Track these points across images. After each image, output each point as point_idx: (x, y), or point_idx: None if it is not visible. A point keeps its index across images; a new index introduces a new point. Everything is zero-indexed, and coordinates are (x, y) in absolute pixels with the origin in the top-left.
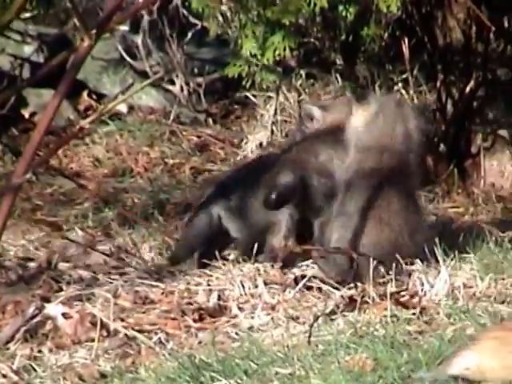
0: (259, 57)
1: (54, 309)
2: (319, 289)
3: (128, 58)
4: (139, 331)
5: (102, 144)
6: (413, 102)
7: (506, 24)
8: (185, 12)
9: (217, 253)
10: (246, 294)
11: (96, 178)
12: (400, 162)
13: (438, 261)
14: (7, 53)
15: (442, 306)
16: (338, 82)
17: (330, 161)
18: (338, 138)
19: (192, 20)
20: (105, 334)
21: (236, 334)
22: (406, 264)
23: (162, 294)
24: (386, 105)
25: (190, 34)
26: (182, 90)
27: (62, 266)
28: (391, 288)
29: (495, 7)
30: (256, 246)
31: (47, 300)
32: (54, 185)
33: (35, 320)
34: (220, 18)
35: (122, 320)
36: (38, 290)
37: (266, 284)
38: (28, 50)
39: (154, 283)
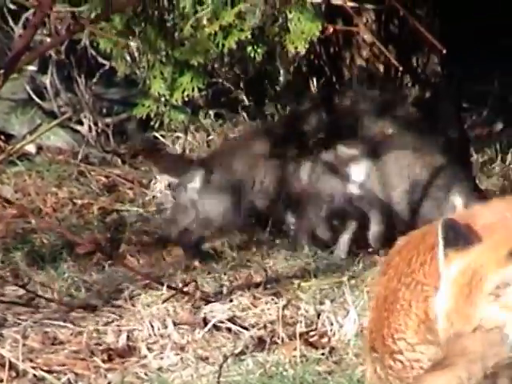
0: (168, 97)
1: None
2: (228, 329)
3: (36, 99)
4: (48, 372)
5: (11, 184)
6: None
7: (414, 63)
8: (93, 52)
9: (126, 294)
10: (155, 335)
11: (5, 218)
12: None
13: (346, 301)
14: None
15: (351, 345)
16: (246, 122)
17: None
18: None
19: (100, 60)
20: (13, 374)
21: (145, 374)
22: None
23: (71, 334)
24: None
25: (98, 75)
26: (90, 130)
27: None
28: (300, 328)
29: (403, 47)
30: None
31: None
32: None
33: None
34: (128, 59)
35: (31, 360)
36: None
37: (175, 324)
38: None
39: (62, 323)
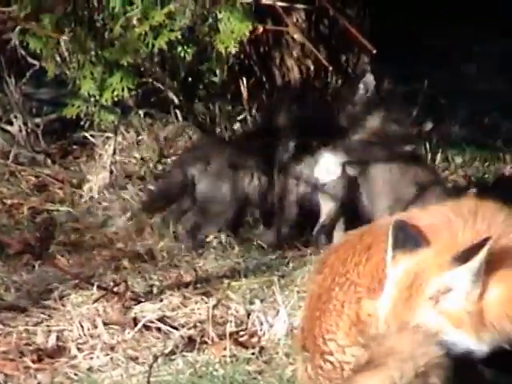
0: (97, 97)
1: None
2: (158, 329)
3: None
4: None
5: None
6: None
7: (344, 63)
8: (23, 52)
9: (56, 294)
10: (85, 335)
11: None
12: None
13: (276, 300)
14: None
15: (281, 345)
16: (177, 122)
17: None
18: None
19: (30, 60)
20: None
21: (75, 374)
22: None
23: (0, 334)
24: None
25: (28, 75)
26: (20, 130)
27: None
28: (230, 328)
29: (332, 47)
30: None
31: None
32: None
33: None
34: (58, 59)
35: None
36: None
37: (105, 324)
38: None
39: None
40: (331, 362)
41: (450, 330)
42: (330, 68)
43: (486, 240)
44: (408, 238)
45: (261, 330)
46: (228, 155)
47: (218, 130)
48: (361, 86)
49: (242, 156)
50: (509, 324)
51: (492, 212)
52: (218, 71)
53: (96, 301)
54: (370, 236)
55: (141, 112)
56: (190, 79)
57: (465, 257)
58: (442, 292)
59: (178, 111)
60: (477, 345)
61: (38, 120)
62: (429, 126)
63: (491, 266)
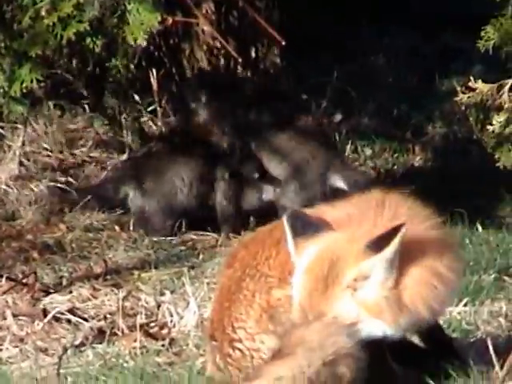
0: (6, 89)
1: None
2: (68, 320)
3: None
4: None
5: None
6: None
7: (253, 54)
8: None
9: None
10: None
11: None
12: None
13: (187, 292)
14: None
15: (192, 336)
16: (85, 113)
17: None
18: None
19: None
20: None
21: None
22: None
23: None
24: None
25: None
26: None
27: None
28: (140, 319)
29: (242, 38)
30: None
31: None
32: None
33: None
34: None
35: None
36: None
37: (14, 316)
38: None
39: None
40: (240, 350)
41: (368, 319)
42: (240, 60)
43: (399, 226)
44: (306, 224)
45: (171, 321)
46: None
47: (124, 121)
48: None
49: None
50: (423, 306)
51: (398, 201)
52: (127, 63)
53: (5, 292)
54: (279, 231)
55: (50, 103)
56: (98, 71)
57: (379, 244)
58: (359, 280)
59: (86, 103)
60: (393, 331)
61: None
62: (338, 117)
63: (403, 252)
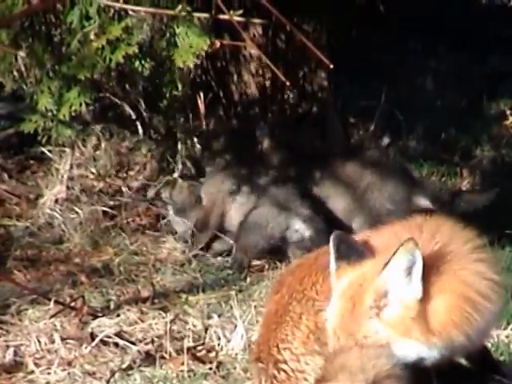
0: (55, 112)
1: None
2: (116, 344)
3: None
4: None
5: None
6: None
7: (301, 78)
8: None
9: (13, 309)
10: (42, 350)
11: None
12: None
13: (234, 315)
14: None
15: (239, 360)
16: (133, 137)
17: None
18: None
19: None
20: None
21: None
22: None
23: None
24: None
25: None
26: None
27: None
28: (188, 342)
29: (289, 62)
30: None
31: None
32: None
33: None
34: (16, 74)
35: None
36: None
37: (62, 339)
38: None
39: None
40: (285, 371)
41: (397, 339)
42: (288, 83)
43: (408, 240)
44: (350, 248)
45: (218, 344)
46: None
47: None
48: None
49: None
50: (455, 331)
51: (438, 225)
52: (179, 86)
53: (53, 316)
54: (324, 257)
55: (98, 127)
56: (149, 94)
57: (389, 259)
58: (379, 299)
59: (138, 125)
60: (428, 352)
61: None
62: (386, 141)
63: (433, 273)
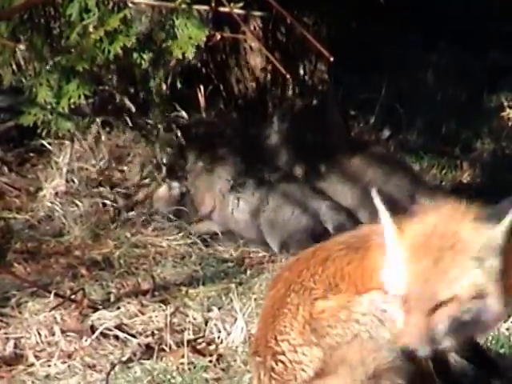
0: (54, 105)
1: None
2: (116, 336)
3: None
4: None
5: None
6: None
7: (302, 71)
8: None
9: (13, 302)
10: (42, 342)
11: None
12: None
13: (234, 308)
14: None
15: (239, 352)
16: (133, 129)
17: None
18: None
19: None
20: None
21: (32, 382)
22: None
23: None
24: None
25: None
26: None
27: None
28: (188, 335)
29: (290, 55)
30: None
31: None
32: None
33: None
34: (14, 67)
35: None
36: None
37: (62, 332)
38: None
39: None
40: (283, 362)
41: (493, 292)
42: (288, 76)
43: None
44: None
45: (218, 337)
46: None
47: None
48: None
49: None
50: None
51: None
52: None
53: (53, 308)
54: (324, 251)
55: (98, 119)
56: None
57: (493, 218)
58: (483, 251)
59: (134, 118)
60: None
61: None
62: (386, 134)
63: None
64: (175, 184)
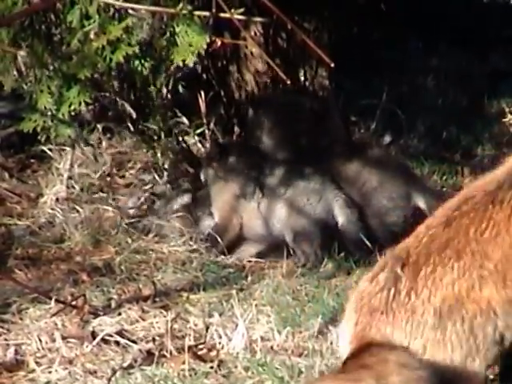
0: (55, 111)
1: None
2: (117, 342)
3: None
4: None
5: None
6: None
7: (302, 77)
8: None
9: (14, 308)
10: (43, 348)
11: None
12: None
13: (235, 314)
14: None
15: (240, 359)
16: (134, 136)
17: None
18: None
19: None
20: None
21: None
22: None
23: None
24: None
25: None
26: None
27: None
28: (189, 341)
29: (290, 60)
30: None
31: None
32: None
33: None
34: (15, 73)
35: None
36: None
37: (63, 338)
38: None
39: None
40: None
41: None
42: (288, 82)
43: None
44: None
45: (219, 343)
46: None
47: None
48: None
49: None
50: None
51: None
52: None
53: (54, 314)
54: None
55: (99, 126)
56: (147, 92)
57: None
58: None
59: (135, 125)
60: None
61: None
62: (387, 139)
63: None
64: (177, 190)
